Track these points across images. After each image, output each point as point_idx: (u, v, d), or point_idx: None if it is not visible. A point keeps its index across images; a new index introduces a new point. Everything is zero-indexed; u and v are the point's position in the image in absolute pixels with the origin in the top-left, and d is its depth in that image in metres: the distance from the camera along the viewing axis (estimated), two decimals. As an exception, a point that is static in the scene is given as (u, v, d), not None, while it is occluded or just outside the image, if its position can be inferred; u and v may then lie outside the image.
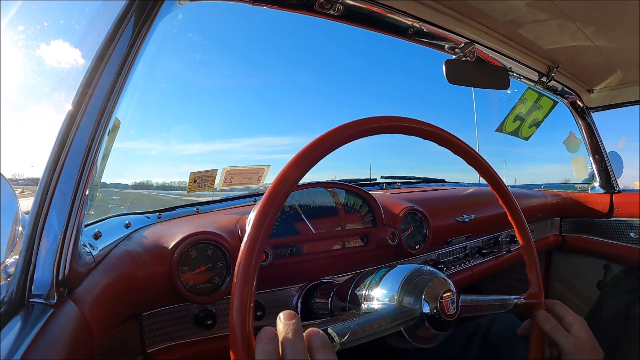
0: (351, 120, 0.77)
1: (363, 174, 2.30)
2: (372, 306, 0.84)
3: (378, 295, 0.85)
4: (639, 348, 1.26)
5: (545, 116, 2.36)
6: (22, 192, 0.85)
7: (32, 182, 0.96)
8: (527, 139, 2.37)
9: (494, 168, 0.96)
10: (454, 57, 1.59)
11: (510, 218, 1.00)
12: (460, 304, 0.84)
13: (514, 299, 0.98)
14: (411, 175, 2.43)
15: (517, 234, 1.01)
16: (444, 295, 0.80)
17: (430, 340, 0.82)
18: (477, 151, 0.93)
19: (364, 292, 0.89)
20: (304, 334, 0.62)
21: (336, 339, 0.69)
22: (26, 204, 0.74)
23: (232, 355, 0.61)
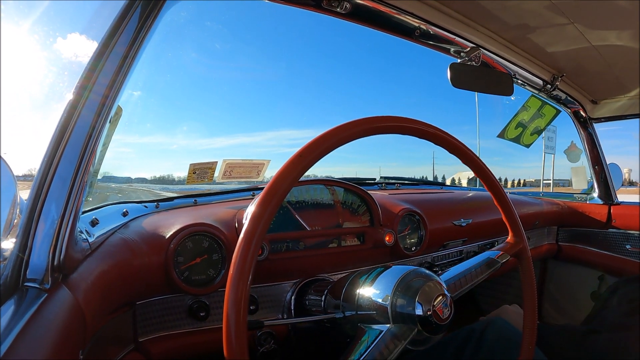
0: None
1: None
2: (368, 325, 0.84)
3: (372, 295, 0.85)
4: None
5: (548, 124, 2.35)
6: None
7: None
8: (528, 146, 2.37)
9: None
10: (459, 60, 1.59)
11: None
12: (452, 299, 0.84)
13: (495, 255, 1.00)
14: (410, 176, 2.44)
15: (486, 188, 1.00)
16: (437, 299, 0.80)
17: (422, 342, 0.82)
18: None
19: (358, 291, 0.90)
20: None
21: None
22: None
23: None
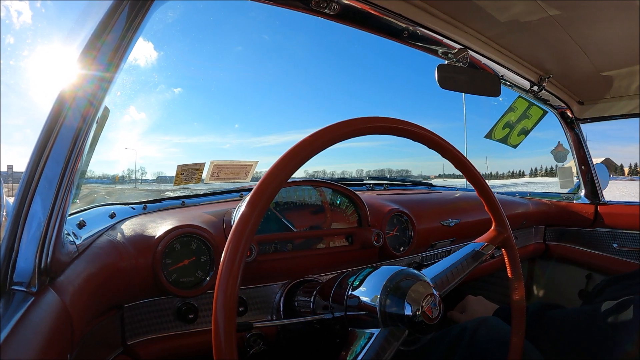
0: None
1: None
2: (359, 327, 0.84)
3: (360, 296, 0.85)
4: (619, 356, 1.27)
5: (534, 125, 2.37)
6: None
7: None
8: (515, 147, 2.38)
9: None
10: (446, 62, 1.59)
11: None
12: (440, 298, 0.84)
13: (480, 246, 1.02)
14: (399, 177, 2.44)
15: (468, 180, 1.00)
16: (426, 299, 0.80)
17: (412, 342, 0.82)
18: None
19: (346, 292, 0.90)
20: None
21: None
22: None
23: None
